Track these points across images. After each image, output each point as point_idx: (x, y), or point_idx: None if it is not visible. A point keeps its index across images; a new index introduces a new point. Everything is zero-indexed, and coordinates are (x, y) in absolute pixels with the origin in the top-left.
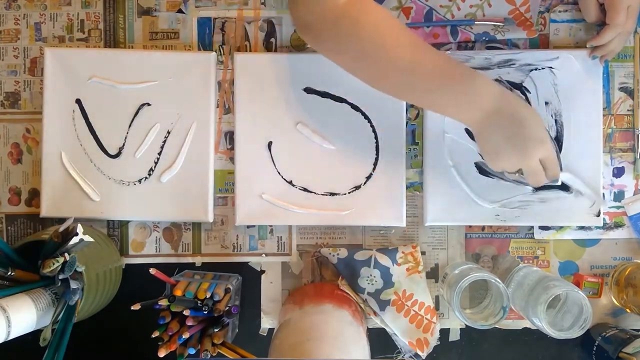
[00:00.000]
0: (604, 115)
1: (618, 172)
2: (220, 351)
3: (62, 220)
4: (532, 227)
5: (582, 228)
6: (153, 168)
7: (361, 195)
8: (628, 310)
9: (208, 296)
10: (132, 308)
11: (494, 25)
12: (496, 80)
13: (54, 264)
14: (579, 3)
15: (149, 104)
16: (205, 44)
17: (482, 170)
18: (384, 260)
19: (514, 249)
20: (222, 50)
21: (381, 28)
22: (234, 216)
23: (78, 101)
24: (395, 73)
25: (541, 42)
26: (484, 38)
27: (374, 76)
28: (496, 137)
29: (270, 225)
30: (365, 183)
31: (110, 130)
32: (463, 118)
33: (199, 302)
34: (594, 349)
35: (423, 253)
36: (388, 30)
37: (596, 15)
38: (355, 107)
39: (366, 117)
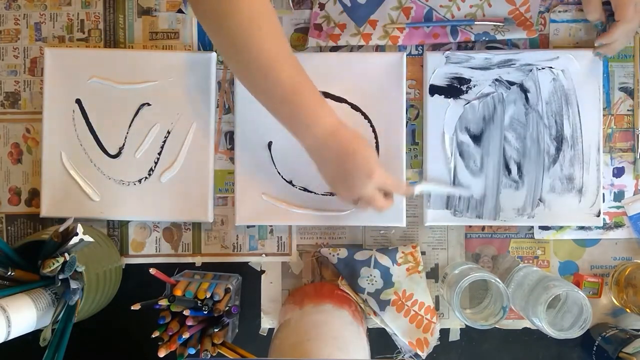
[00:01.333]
0: (604, 115)
1: (618, 172)
2: (220, 351)
3: (62, 220)
4: (532, 227)
5: (582, 228)
6: (153, 168)
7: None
8: (628, 310)
9: (208, 296)
10: (132, 308)
11: (494, 25)
12: (496, 80)
13: (54, 264)
14: (582, 1)
15: (149, 104)
16: (205, 44)
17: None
18: (384, 260)
19: (514, 249)
20: None
21: (257, 19)
22: (234, 216)
23: (78, 101)
24: (253, 72)
25: (541, 42)
26: (484, 38)
27: (235, 66)
28: (328, 168)
29: (270, 225)
30: None
31: (110, 130)
32: (300, 140)
33: (199, 302)
34: (594, 349)
35: (423, 253)
36: (262, 24)
37: (599, 14)
38: (355, 107)
39: (366, 117)
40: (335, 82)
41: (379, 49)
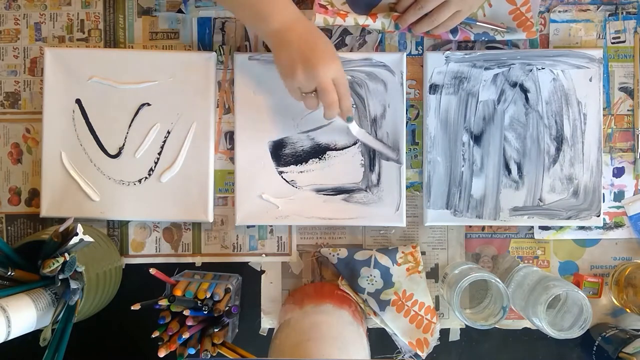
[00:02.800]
0: (604, 115)
1: (618, 172)
2: (220, 351)
3: (62, 220)
4: (532, 227)
5: (582, 228)
6: (153, 168)
7: (361, 195)
8: (628, 310)
9: (208, 296)
10: (132, 308)
11: (493, 28)
12: (496, 80)
13: (54, 264)
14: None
15: (149, 104)
16: (205, 44)
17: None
18: (384, 260)
19: (514, 249)
20: (222, 50)
21: None
22: (234, 216)
23: (78, 101)
24: None
25: (541, 42)
26: (483, 38)
27: None
28: (290, 51)
29: (270, 225)
30: (365, 183)
31: (110, 130)
32: (260, 30)
33: (199, 302)
34: (594, 349)
35: (423, 253)
36: None
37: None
38: (355, 107)
39: (366, 117)
40: None
41: (379, 48)
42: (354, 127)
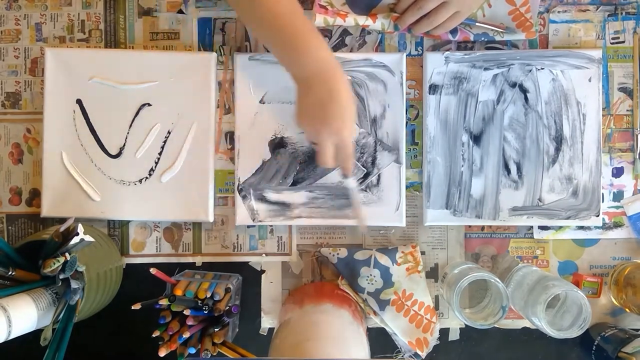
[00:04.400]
0: (603, 116)
1: (617, 172)
2: (221, 350)
3: (62, 220)
4: (532, 226)
5: (581, 228)
6: (154, 168)
7: (361, 195)
8: (627, 310)
9: (208, 296)
10: (132, 307)
11: (493, 29)
12: (495, 80)
13: (54, 263)
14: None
15: (149, 104)
16: (205, 45)
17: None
18: (384, 260)
19: (513, 248)
20: (222, 51)
21: None
22: (234, 216)
23: (79, 101)
24: (256, 8)
25: (541, 43)
26: (482, 39)
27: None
28: (308, 100)
29: (270, 225)
30: (365, 183)
31: (110, 130)
32: (290, 71)
33: (200, 301)
34: (593, 348)
35: (423, 253)
36: None
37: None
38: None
39: (366, 117)
40: None
41: (379, 49)
42: (349, 183)
